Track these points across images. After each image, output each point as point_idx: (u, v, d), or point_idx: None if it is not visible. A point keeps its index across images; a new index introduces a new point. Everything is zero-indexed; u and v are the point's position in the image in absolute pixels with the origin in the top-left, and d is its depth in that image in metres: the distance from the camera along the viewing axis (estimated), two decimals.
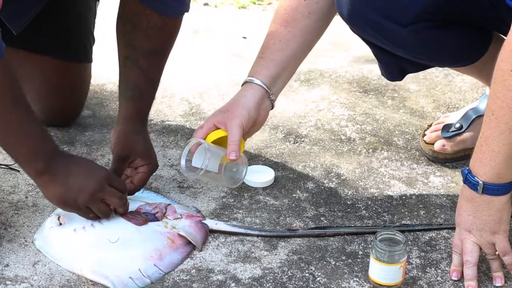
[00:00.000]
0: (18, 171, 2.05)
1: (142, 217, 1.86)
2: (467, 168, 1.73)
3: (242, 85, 1.95)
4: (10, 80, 1.67)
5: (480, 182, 1.70)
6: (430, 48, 1.90)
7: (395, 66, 2.00)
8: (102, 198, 1.78)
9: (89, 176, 1.76)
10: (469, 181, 1.72)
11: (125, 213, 1.84)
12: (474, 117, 2.14)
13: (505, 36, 1.63)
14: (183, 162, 1.88)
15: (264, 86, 1.92)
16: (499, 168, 1.68)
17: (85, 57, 2.18)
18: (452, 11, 1.85)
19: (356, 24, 1.91)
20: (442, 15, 1.85)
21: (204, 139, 1.88)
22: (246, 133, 1.93)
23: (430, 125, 2.22)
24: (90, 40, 2.19)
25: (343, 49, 2.74)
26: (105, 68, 2.44)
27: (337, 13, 1.93)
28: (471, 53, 1.96)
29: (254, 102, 1.91)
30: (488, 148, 1.68)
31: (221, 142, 1.89)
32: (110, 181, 1.79)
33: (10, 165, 2.05)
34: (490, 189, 1.71)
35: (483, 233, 1.75)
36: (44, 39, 2.10)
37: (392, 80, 2.06)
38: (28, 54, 2.09)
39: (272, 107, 1.97)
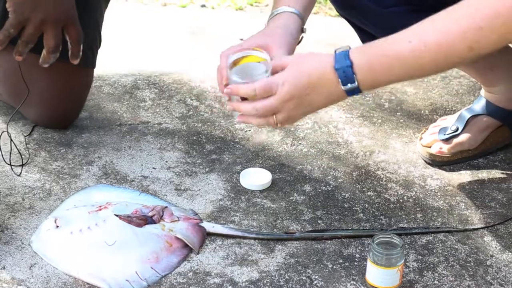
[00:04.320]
0: (19, 175, 2.05)
1: (140, 218, 1.86)
2: (350, 60, 1.59)
3: (273, 16, 1.82)
4: None
5: (356, 85, 1.59)
6: None
7: None
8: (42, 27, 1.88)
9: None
10: (346, 74, 1.58)
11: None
12: (468, 117, 2.14)
13: None
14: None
15: (301, 17, 1.81)
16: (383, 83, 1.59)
17: (92, 62, 2.17)
18: None
19: (342, 5, 1.96)
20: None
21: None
22: None
23: (427, 128, 2.22)
24: (98, 45, 2.18)
25: None
26: (101, 70, 2.43)
27: None
28: None
29: (296, 30, 1.79)
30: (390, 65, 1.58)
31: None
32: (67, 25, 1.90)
33: (12, 165, 2.06)
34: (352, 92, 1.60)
35: (297, 107, 1.63)
36: None
37: None
38: (38, 57, 2.06)
39: (299, 42, 1.83)
